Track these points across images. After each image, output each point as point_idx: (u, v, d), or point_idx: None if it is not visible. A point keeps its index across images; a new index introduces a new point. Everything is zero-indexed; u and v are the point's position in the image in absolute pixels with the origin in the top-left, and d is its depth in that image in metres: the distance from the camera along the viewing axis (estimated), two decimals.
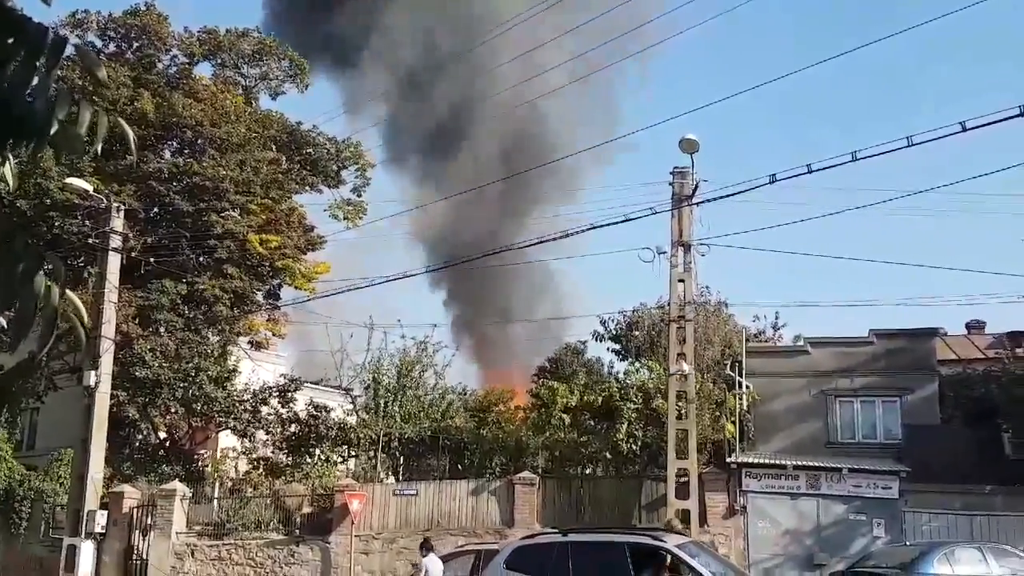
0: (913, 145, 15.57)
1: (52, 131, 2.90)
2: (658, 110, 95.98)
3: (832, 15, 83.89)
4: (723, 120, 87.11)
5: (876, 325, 25.32)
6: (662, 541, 14.34)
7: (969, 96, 71.28)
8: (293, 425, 29.51)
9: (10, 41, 2.88)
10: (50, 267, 3.14)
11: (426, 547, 19.32)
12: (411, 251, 57.65)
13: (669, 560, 14.07)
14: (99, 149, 3.18)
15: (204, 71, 33.78)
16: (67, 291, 3.17)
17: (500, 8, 41.33)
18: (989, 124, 14.81)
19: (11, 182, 3.32)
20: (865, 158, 16.21)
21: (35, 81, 2.95)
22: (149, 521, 24.99)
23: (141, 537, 25.05)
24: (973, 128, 15.02)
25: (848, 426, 25.03)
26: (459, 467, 26.73)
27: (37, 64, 2.94)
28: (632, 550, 14.03)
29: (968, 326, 33.22)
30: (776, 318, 33.61)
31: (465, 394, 32.45)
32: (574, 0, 33.00)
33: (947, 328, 26.45)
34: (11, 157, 3.22)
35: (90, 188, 24.86)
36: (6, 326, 3.22)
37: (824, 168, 16.87)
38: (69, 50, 3.36)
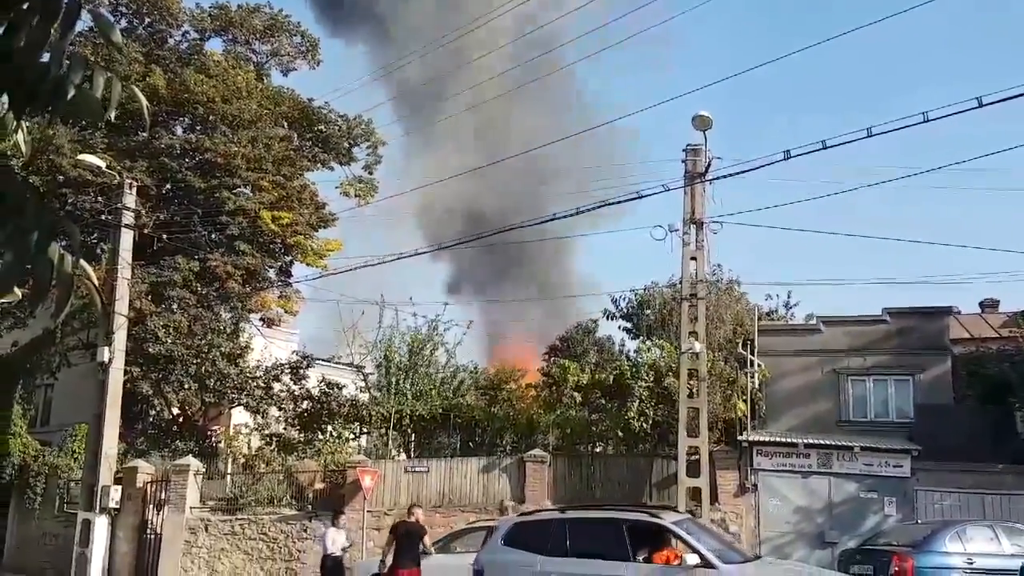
0: (929, 121, 15.36)
1: (69, 96, 2.87)
2: (665, 90, 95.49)
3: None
4: (730, 100, 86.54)
5: (889, 304, 25.14)
6: (659, 518, 14.40)
7: (989, 71, 70.63)
8: (305, 402, 29.62)
9: (24, 6, 2.85)
10: (65, 236, 3.12)
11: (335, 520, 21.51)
12: (419, 228, 57.63)
13: (667, 537, 14.15)
14: (112, 116, 3.16)
15: (215, 47, 33.77)
16: (80, 260, 3.15)
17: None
18: (1005, 100, 14.62)
19: (24, 149, 3.30)
20: (881, 133, 15.99)
21: (49, 47, 2.92)
22: (163, 496, 25.13)
23: (155, 512, 25.20)
24: (989, 104, 14.81)
25: (860, 405, 24.96)
26: (470, 445, 26.75)
27: (51, 30, 2.91)
28: (630, 527, 14.09)
29: (982, 305, 32.94)
30: (789, 297, 33.59)
31: (476, 372, 32.44)
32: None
33: (961, 307, 26.26)
34: (24, 126, 3.19)
35: (103, 164, 24.86)
36: (21, 297, 3.20)
37: (839, 144, 16.60)
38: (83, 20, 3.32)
